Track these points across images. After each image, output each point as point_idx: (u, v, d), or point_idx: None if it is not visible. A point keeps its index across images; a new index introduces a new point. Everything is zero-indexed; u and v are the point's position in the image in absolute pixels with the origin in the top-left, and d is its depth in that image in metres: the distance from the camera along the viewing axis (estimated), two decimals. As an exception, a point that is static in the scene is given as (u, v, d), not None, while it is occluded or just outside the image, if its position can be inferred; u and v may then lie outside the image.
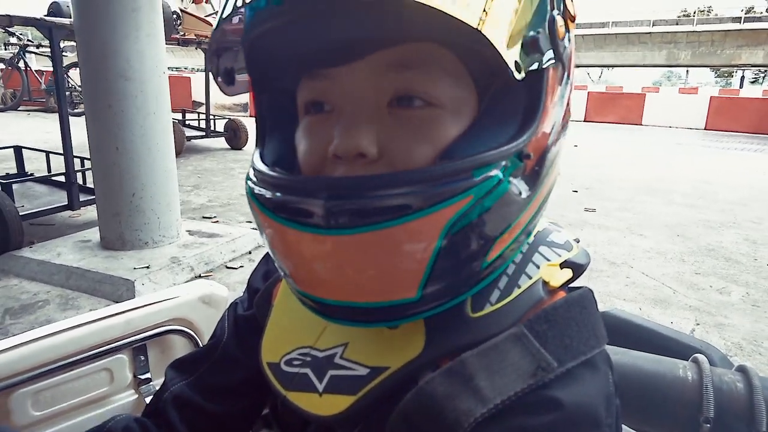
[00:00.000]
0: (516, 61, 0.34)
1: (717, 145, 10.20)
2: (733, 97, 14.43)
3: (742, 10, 35.40)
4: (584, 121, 14.37)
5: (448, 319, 0.41)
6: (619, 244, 3.80)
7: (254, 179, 0.41)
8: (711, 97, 13.61)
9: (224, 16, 0.37)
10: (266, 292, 0.56)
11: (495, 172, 0.36)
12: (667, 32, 31.91)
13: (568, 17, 0.41)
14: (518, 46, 0.34)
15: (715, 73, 55.46)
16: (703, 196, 5.50)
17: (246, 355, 0.55)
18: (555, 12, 0.38)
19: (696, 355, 0.67)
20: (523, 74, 0.34)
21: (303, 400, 0.44)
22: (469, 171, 0.35)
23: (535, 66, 0.36)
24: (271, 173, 0.40)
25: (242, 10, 0.37)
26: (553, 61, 0.39)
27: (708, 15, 41.63)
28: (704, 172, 6.98)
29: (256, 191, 0.40)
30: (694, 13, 42.06)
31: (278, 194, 0.37)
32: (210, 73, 0.46)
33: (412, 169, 0.37)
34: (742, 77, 40.96)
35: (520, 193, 0.38)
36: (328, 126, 0.40)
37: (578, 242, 0.50)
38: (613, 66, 38.76)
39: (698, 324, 2.61)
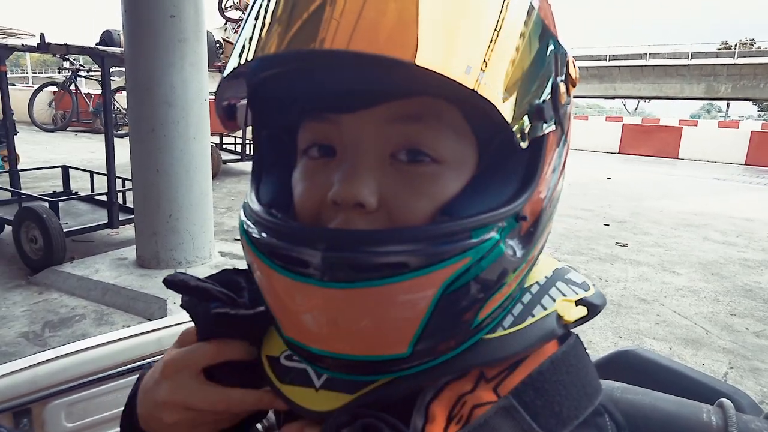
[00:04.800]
0: (522, 131, 0.34)
1: (758, 181, 9.89)
2: (776, 132, 14.01)
3: (786, 44, 34.56)
4: (618, 153, 14.16)
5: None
6: (650, 280, 3.71)
7: (249, 219, 0.40)
8: (752, 131, 13.25)
9: (226, 74, 0.37)
10: None
11: (493, 234, 0.36)
12: (707, 64, 31.37)
13: (570, 82, 0.41)
14: (524, 115, 0.35)
15: (759, 106, 54.00)
16: (741, 234, 5.33)
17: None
18: (559, 79, 0.39)
19: (721, 399, 0.66)
20: (527, 143, 0.35)
21: (296, 394, 0.44)
22: (468, 232, 0.35)
23: (538, 133, 0.36)
24: (268, 216, 0.39)
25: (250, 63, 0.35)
26: (554, 126, 0.39)
27: (750, 48, 40.75)
28: (744, 208, 6.77)
29: (251, 232, 0.39)
30: (736, 45, 41.23)
31: (274, 240, 0.37)
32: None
33: (412, 227, 0.37)
34: (787, 111, 39.69)
35: (515, 254, 0.38)
36: (328, 171, 0.40)
37: (594, 286, 0.50)
38: (649, 98, 38.21)
39: (732, 367, 2.51)
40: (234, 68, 0.36)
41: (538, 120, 0.36)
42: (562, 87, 0.39)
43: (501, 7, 0.34)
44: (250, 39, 0.34)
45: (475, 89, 0.31)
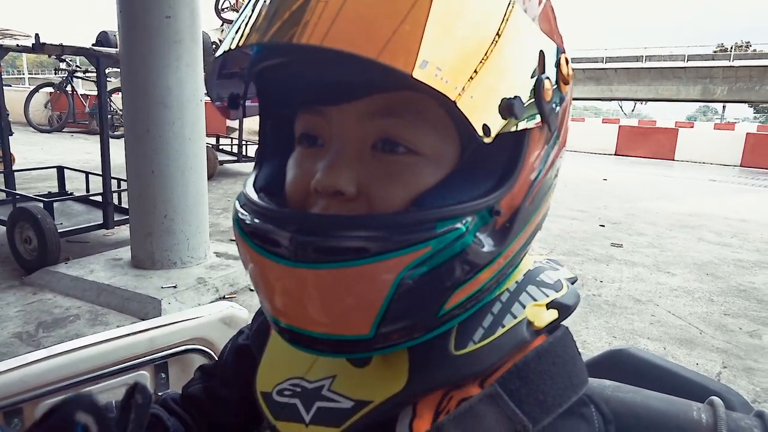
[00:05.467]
0: (485, 125, 0.34)
1: (753, 183, 9.91)
2: (771, 134, 14.06)
3: (781, 46, 34.72)
4: (615, 155, 14.19)
5: (431, 356, 0.42)
6: (645, 280, 3.72)
7: (240, 202, 0.43)
8: (747, 133, 13.29)
9: (217, 55, 0.40)
10: (264, 324, 0.58)
11: (458, 226, 0.37)
12: (703, 67, 31.49)
13: (562, 79, 0.42)
14: (492, 110, 0.35)
15: (754, 108, 54.19)
16: (736, 235, 5.34)
17: (241, 381, 0.58)
18: (544, 75, 0.39)
19: (711, 397, 0.66)
20: (491, 138, 0.34)
21: (291, 430, 0.45)
22: (433, 222, 0.36)
23: (511, 128, 0.36)
24: (253, 199, 0.42)
25: (243, 48, 0.38)
26: (539, 122, 0.39)
27: (746, 50, 40.87)
28: (739, 210, 6.79)
29: (239, 214, 0.42)
30: (732, 48, 41.34)
31: (255, 220, 0.40)
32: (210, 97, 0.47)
33: (378, 214, 0.39)
34: (783, 113, 39.86)
35: (485, 248, 0.39)
36: (315, 160, 0.42)
37: (574, 282, 0.50)
38: (646, 100, 38.33)
39: (725, 367, 2.52)
40: (223, 52, 0.38)
41: (508, 115, 0.35)
42: (547, 83, 0.39)
43: (491, 20, 0.35)
44: (237, 30, 0.37)
45: (446, 94, 0.32)
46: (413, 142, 0.40)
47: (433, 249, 0.36)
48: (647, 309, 3.19)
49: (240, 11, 0.39)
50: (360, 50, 0.31)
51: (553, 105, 0.41)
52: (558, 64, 0.41)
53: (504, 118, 0.35)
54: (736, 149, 12.90)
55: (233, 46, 0.36)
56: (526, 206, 0.42)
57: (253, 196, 0.43)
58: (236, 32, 0.37)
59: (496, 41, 0.36)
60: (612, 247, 4.57)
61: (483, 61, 0.34)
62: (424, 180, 0.40)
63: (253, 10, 0.37)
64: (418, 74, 0.31)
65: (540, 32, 0.40)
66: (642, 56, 34.87)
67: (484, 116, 0.34)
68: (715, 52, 38.11)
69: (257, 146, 0.51)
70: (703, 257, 4.42)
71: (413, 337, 0.40)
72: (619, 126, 15.23)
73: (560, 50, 0.42)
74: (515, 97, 0.36)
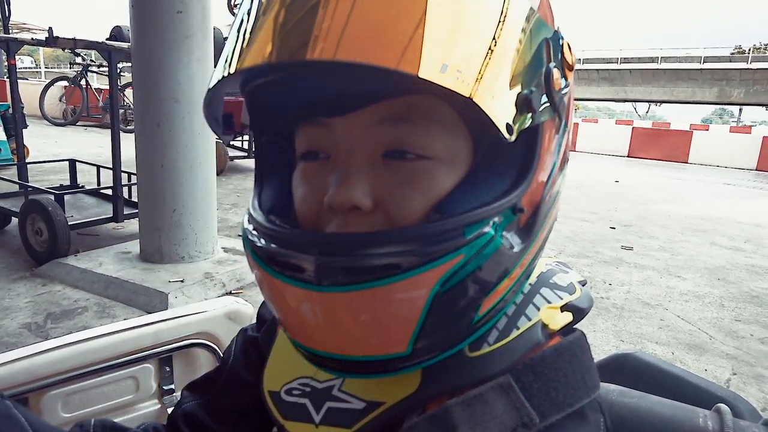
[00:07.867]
0: (507, 124, 0.33)
1: (769, 187, 9.79)
2: (788, 138, 13.83)
3: (800, 49, 34.19)
4: (627, 156, 14.06)
5: (445, 358, 0.41)
6: (655, 284, 3.68)
7: (250, 227, 0.41)
8: (764, 137, 13.09)
9: (212, 85, 0.37)
10: (273, 322, 0.57)
11: (487, 229, 0.36)
12: (719, 69, 31.10)
13: (566, 66, 0.41)
14: (511, 107, 0.34)
15: (771, 112, 53.33)
16: (750, 240, 5.26)
17: (253, 377, 0.56)
18: (551, 64, 0.38)
19: (718, 404, 0.65)
20: (514, 136, 0.33)
21: (300, 431, 0.45)
22: (461, 229, 0.35)
23: (528, 123, 0.35)
24: (265, 223, 0.40)
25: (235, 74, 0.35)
26: (549, 113, 0.38)
27: (764, 52, 40.23)
28: (753, 214, 6.69)
29: (252, 240, 0.40)
30: (750, 50, 40.72)
31: (272, 245, 0.38)
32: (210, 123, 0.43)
33: (403, 227, 0.37)
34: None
35: (513, 248, 0.38)
36: (324, 173, 0.40)
37: (584, 285, 0.49)
38: (660, 102, 37.92)
39: (735, 374, 2.49)
40: (219, 79, 0.36)
41: (526, 111, 0.34)
42: (556, 73, 0.38)
43: (500, 14, 0.34)
44: (233, 50, 0.34)
45: (471, 96, 0.31)
46: (426, 146, 0.38)
47: (465, 257, 0.35)
48: (656, 313, 3.15)
49: (231, 29, 0.37)
50: (376, 60, 0.30)
51: (563, 94, 0.40)
52: (561, 52, 0.40)
53: (521, 113, 0.34)
54: (752, 153, 12.72)
55: (232, 71, 0.34)
56: (546, 200, 0.41)
57: (262, 219, 0.41)
58: (232, 55, 0.34)
59: (519, 46, 0.35)
60: (622, 250, 4.53)
61: (499, 58, 0.33)
62: (441, 184, 0.38)
63: (245, 32, 0.34)
64: (442, 81, 0.30)
65: (543, 21, 0.39)
66: (657, 57, 34.48)
67: (505, 114, 0.33)
68: (732, 53, 37.55)
69: (255, 165, 0.49)
70: (715, 262, 4.36)
71: (451, 346, 0.39)
72: (633, 128, 15.10)
73: (560, 36, 0.41)
74: (533, 90, 0.35)
